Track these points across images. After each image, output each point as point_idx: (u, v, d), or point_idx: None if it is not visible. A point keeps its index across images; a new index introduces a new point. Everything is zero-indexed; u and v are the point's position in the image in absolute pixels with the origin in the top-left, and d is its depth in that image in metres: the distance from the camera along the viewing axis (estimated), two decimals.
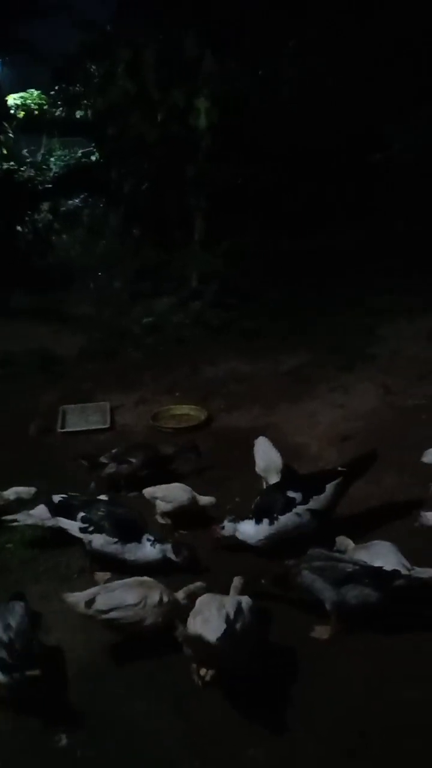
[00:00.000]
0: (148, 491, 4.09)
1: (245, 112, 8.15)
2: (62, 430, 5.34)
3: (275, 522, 3.66)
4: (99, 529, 3.60)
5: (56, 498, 3.80)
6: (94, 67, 9.13)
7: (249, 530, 3.69)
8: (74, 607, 3.05)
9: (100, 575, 3.66)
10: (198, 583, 3.22)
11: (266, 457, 4.34)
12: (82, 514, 3.66)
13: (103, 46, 8.55)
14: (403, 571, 3.09)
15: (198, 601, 2.96)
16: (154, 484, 4.14)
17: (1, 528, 4.01)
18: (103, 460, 4.46)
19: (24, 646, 2.77)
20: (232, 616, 2.79)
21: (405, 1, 9.32)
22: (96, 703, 2.93)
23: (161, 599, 3.08)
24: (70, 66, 9.85)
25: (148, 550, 3.57)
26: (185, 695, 2.91)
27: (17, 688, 2.73)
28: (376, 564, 3.13)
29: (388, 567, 3.10)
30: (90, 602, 3.00)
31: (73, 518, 3.68)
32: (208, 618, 2.79)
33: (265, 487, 4.14)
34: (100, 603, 3.01)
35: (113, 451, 4.51)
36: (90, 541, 3.63)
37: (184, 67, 7.76)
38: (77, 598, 3.05)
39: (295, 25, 9.60)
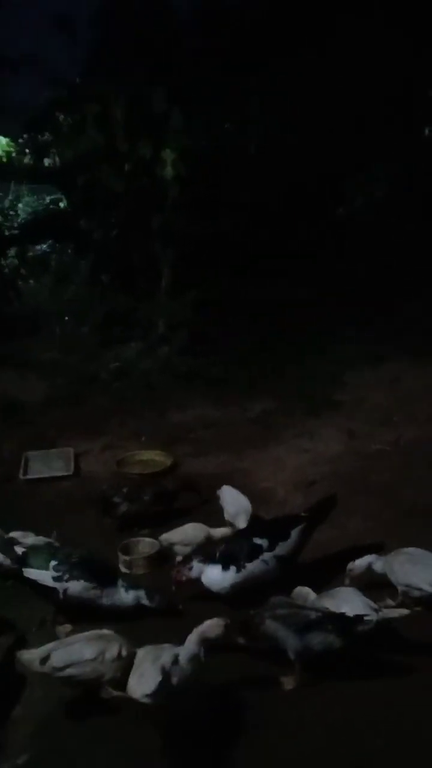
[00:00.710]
0: (164, 537, 4.14)
1: (211, 165, 8.36)
2: (25, 477, 5.26)
3: (242, 569, 3.63)
4: (75, 576, 3.53)
5: (19, 550, 3.72)
6: (62, 117, 9.33)
7: (215, 577, 3.64)
8: (29, 665, 2.95)
9: (62, 628, 3.57)
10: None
11: (235, 502, 4.36)
12: (54, 562, 3.59)
13: (73, 99, 8.74)
14: (371, 614, 3.07)
15: (137, 654, 2.89)
16: (164, 520, 4.40)
17: None
18: (115, 500, 4.50)
19: None
20: (168, 669, 2.74)
21: (365, 61, 9.77)
22: (56, 760, 2.83)
23: (119, 653, 2.99)
24: (40, 116, 10.03)
25: (123, 595, 3.53)
26: (143, 751, 2.82)
27: None
28: (343, 610, 3.11)
29: (354, 612, 3.07)
30: (45, 659, 2.91)
31: (44, 567, 3.59)
32: (143, 673, 2.75)
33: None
34: (56, 660, 2.91)
35: (123, 490, 4.55)
36: (66, 589, 3.54)
37: (152, 120, 7.96)
38: (32, 655, 2.96)
39: (258, 82, 9.99)
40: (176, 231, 7.66)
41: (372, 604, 3.18)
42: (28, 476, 5.27)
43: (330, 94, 9.88)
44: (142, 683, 2.72)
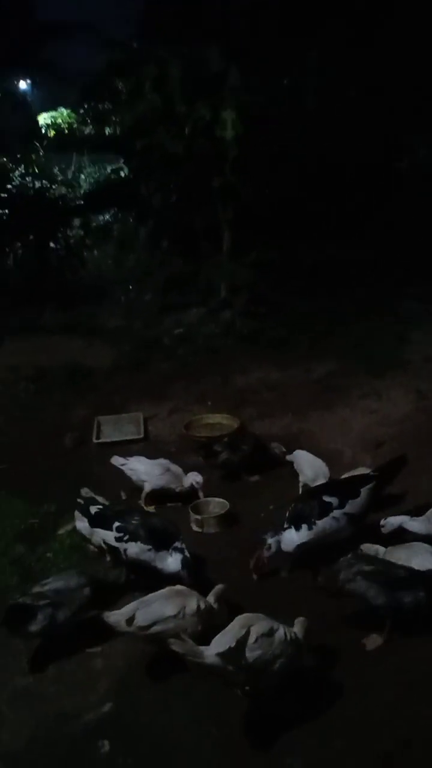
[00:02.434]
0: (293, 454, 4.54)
1: (269, 124, 8.19)
2: (97, 441, 5.41)
3: (313, 527, 3.66)
4: (134, 538, 3.64)
5: (93, 509, 3.86)
6: (121, 84, 9.30)
7: (290, 537, 3.66)
8: (116, 626, 3.04)
9: None
10: (219, 586, 3.27)
11: (312, 466, 4.40)
12: (117, 523, 3.71)
13: (130, 63, 8.68)
14: None
15: (236, 619, 2.89)
16: (261, 469, 4.73)
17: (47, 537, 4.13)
18: (216, 448, 4.76)
19: (31, 603, 3.16)
20: (252, 640, 2.70)
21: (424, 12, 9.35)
22: (136, 712, 2.96)
23: (198, 606, 3.09)
24: (98, 84, 10.02)
25: (168, 560, 3.59)
26: (222, 705, 2.91)
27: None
28: (413, 563, 3.12)
29: (424, 565, 3.09)
30: (131, 620, 3.00)
31: (109, 528, 3.72)
32: (225, 633, 2.77)
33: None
34: (140, 619, 3.00)
35: (224, 440, 4.82)
36: (125, 550, 3.66)
37: (209, 80, 7.85)
38: (117, 617, 3.05)
39: (315, 37, 9.70)
40: (237, 192, 7.57)
41: None
42: (102, 440, 5.41)
43: (390, 46, 9.52)
44: (217, 643, 2.73)
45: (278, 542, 3.63)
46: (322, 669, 3.06)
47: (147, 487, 4.46)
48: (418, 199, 9.90)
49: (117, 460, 4.57)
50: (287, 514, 3.75)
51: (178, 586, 3.26)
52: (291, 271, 8.53)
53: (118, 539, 3.68)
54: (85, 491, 4.15)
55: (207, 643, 2.77)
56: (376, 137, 9.65)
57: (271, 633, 2.78)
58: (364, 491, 3.79)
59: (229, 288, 7.88)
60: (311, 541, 3.64)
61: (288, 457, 4.61)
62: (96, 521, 3.80)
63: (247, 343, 7.08)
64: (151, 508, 4.38)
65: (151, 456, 4.69)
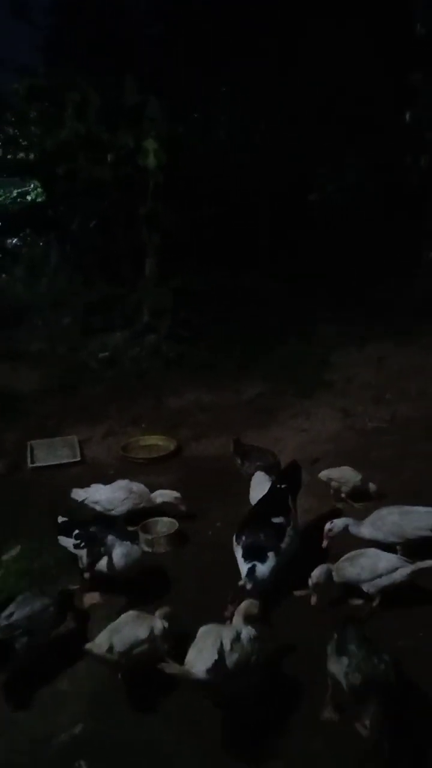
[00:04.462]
0: (324, 474, 4.64)
1: (189, 153, 8.43)
2: (32, 465, 5.31)
3: (280, 552, 3.69)
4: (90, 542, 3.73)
5: (60, 519, 3.98)
6: (31, 109, 9.25)
7: (261, 571, 3.57)
8: (101, 656, 3.00)
9: (89, 596, 3.73)
10: (164, 607, 3.29)
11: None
12: (76, 531, 3.80)
13: (44, 89, 8.68)
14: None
15: (199, 632, 2.97)
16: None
17: None
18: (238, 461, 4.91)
19: (5, 635, 3.10)
20: (227, 647, 2.80)
21: (332, 48, 9.93)
22: (109, 731, 2.94)
23: (163, 627, 3.14)
24: (4, 108, 9.93)
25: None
26: (197, 716, 2.94)
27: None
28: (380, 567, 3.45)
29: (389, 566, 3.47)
30: (110, 648, 2.99)
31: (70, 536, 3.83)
32: (202, 649, 2.82)
33: None
34: (119, 645, 3.00)
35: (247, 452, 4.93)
36: (81, 557, 3.73)
37: (129, 109, 8.00)
38: (99, 648, 3.00)
39: (225, 73, 10.09)
40: (161, 219, 7.72)
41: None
42: (36, 464, 5.32)
43: (299, 83, 10.04)
44: (201, 659, 2.77)
45: (257, 583, 3.53)
46: (299, 668, 3.15)
47: (115, 514, 4.35)
48: (327, 230, 10.43)
49: (77, 494, 4.41)
50: (241, 548, 3.69)
51: (134, 611, 3.25)
52: (210, 296, 8.74)
53: (75, 546, 3.78)
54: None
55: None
56: (287, 169, 10.11)
57: (238, 637, 2.89)
58: (291, 503, 3.97)
59: (152, 312, 7.98)
60: (278, 567, 3.64)
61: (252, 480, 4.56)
62: (61, 531, 3.92)
63: (174, 366, 7.19)
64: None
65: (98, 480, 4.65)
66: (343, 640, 2.83)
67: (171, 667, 2.78)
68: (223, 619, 3.26)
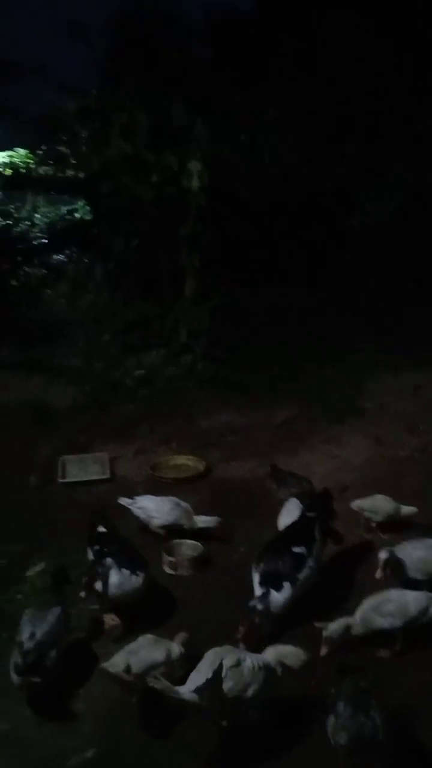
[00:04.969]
0: (356, 504, 4.57)
1: (232, 175, 8.52)
2: (62, 481, 5.38)
3: (297, 582, 3.70)
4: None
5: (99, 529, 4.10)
6: (81, 128, 9.48)
7: (276, 598, 3.59)
8: (118, 675, 3.03)
9: (108, 618, 3.72)
10: (182, 633, 3.29)
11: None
12: (96, 547, 3.88)
13: (94, 108, 8.89)
14: None
15: (206, 654, 2.97)
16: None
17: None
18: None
19: (38, 656, 3.08)
20: (224, 672, 2.78)
21: (376, 68, 9.96)
22: (121, 755, 2.95)
23: (180, 651, 3.16)
24: (57, 127, 10.19)
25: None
26: (206, 742, 2.94)
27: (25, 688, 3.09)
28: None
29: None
30: (127, 669, 3.01)
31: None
32: (199, 670, 2.84)
33: None
34: (136, 667, 3.02)
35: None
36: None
37: (176, 130, 8.12)
38: (116, 667, 3.03)
39: (270, 93, 10.19)
40: (202, 240, 7.79)
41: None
42: (67, 479, 5.38)
43: (340, 104, 10.09)
44: (192, 679, 2.81)
45: (267, 607, 3.52)
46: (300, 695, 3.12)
47: (156, 523, 4.48)
48: (366, 255, 10.38)
49: (124, 501, 4.60)
50: (259, 574, 3.68)
51: (150, 635, 3.26)
52: (247, 316, 8.77)
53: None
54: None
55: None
56: (330, 190, 10.14)
57: (239, 664, 2.87)
58: (317, 533, 3.92)
59: (189, 331, 8.03)
60: (294, 597, 3.62)
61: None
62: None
63: (208, 386, 7.20)
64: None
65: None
66: (336, 697, 2.75)
67: (159, 683, 2.79)
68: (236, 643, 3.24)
